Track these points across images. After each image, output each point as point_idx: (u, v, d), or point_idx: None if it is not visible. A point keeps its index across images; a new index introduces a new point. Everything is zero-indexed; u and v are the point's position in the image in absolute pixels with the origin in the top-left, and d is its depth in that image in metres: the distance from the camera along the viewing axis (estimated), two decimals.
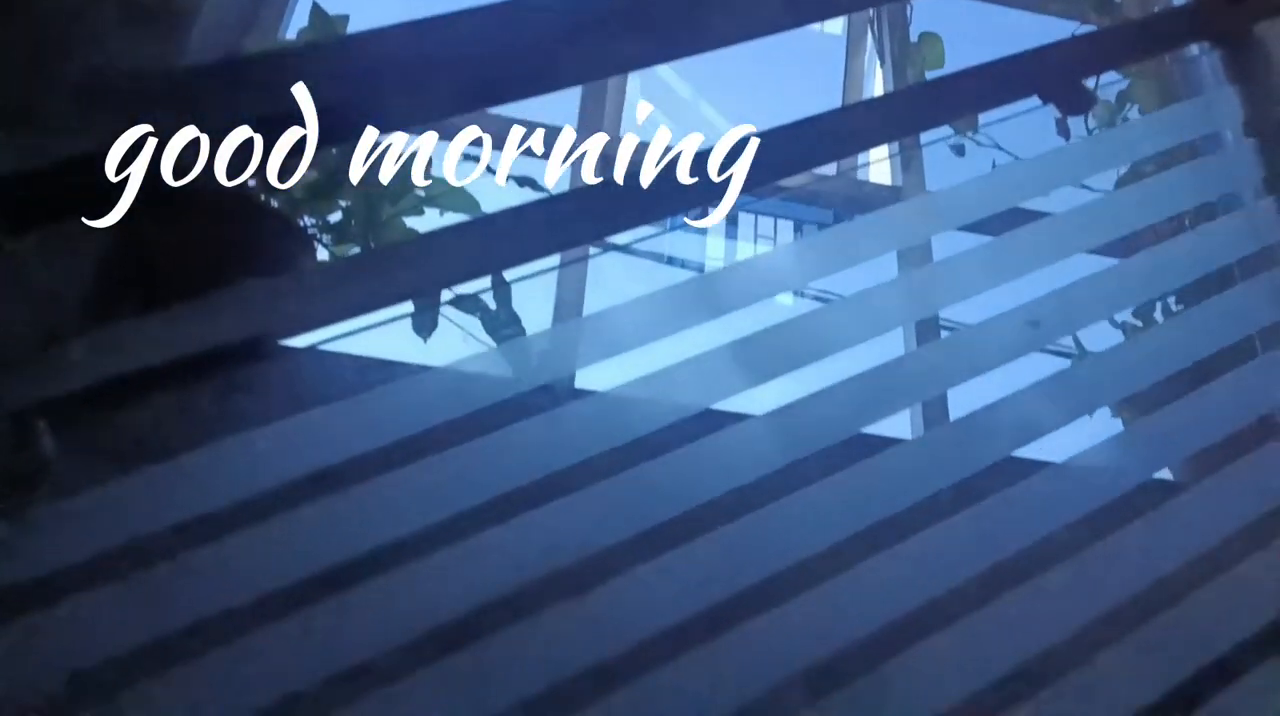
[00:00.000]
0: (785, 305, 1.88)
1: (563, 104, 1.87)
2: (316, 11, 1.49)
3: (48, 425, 0.65)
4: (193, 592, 0.59)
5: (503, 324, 1.32)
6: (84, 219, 0.84)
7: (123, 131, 0.76)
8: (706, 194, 0.95)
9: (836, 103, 2.21)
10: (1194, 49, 1.07)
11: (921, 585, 0.69)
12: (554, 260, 1.61)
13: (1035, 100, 0.99)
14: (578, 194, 1.06)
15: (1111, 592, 0.73)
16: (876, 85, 2.15)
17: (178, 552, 0.60)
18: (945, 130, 1.84)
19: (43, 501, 0.59)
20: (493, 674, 0.62)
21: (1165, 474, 1.23)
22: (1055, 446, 0.86)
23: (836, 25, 2.32)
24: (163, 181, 0.81)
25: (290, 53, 1.25)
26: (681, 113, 2.32)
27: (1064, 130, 1.76)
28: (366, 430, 0.68)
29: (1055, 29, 2.11)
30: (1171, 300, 1.55)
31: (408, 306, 1.38)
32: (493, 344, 1.37)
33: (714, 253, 2.07)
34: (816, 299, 1.89)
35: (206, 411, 0.75)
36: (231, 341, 0.67)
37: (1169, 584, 0.72)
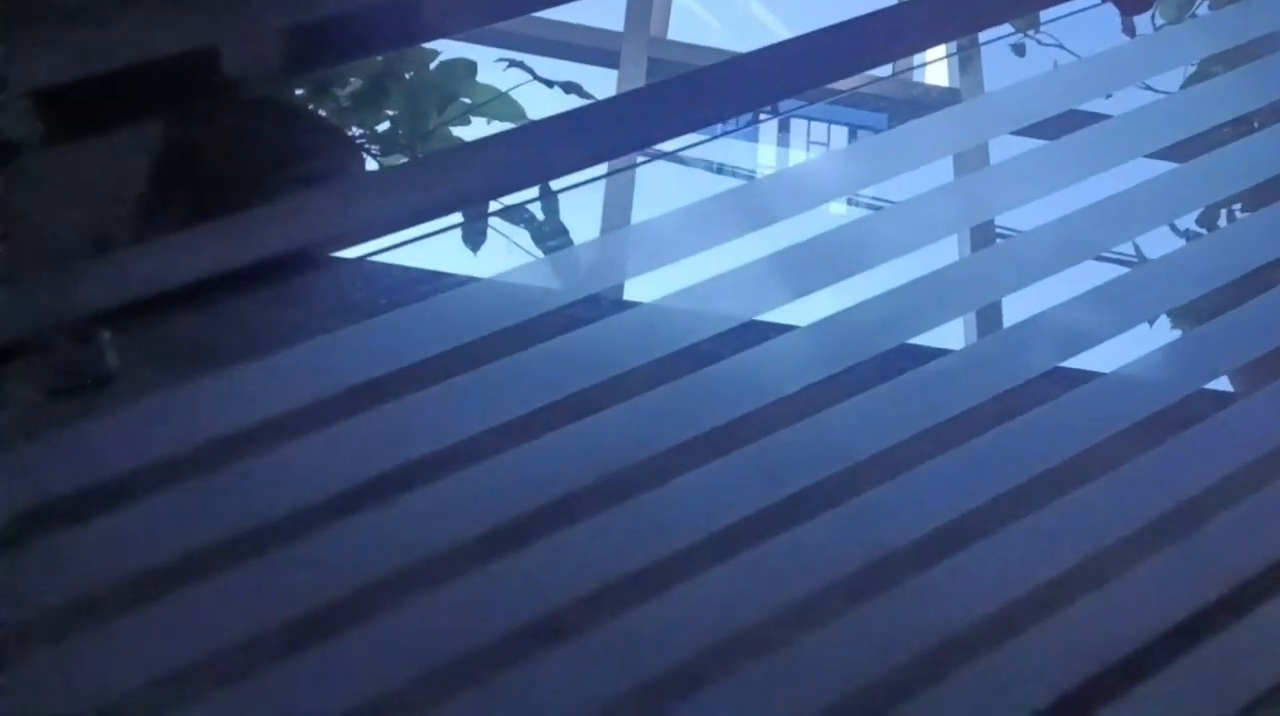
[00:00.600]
0: (838, 214, 1.86)
1: (609, 6, 1.83)
2: None
3: (110, 334, 0.67)
4: (250, 498, 0.61)
5: (550, 234, 1.32)
6: (134, 123, 0.85)
7: (170, 36, 0.76)
8: (757, 98, 0.93)
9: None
10: None
11: (968, 493, 0.69)
12: (601, 169, 1.60)
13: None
14: (624, 99, 1.05)
15: (1157, 502, 0.73)
16: None
17: (236, 460, 0.62)
18: (1005, 29, 1.78)
19: (105, 408, 0.61)
20: (541, 577, 0.64)
21: (1224, 384, 1.21)
22: (1113, 356, 0.85)
23: None
24: (211, 86, 0.82)
25: None
26: (731, 12, 2.26)
27: (1129, 28, 1.69)
28: (416, 341, 0.69)
29: None
30: (1238, 208, 1.50)
31: (456, 218, 1.39)
32: (541, 255, 1.37)
33: (765, 160, 2.03)
34: (870, 207, 1.86)
35: (261, 321, 0.77)
36: (286, 251, 0.68)
37: (1217, 494, 0.72)
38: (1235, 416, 0.77)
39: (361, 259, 0.82)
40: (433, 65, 1.44)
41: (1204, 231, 1.58)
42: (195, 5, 0.78)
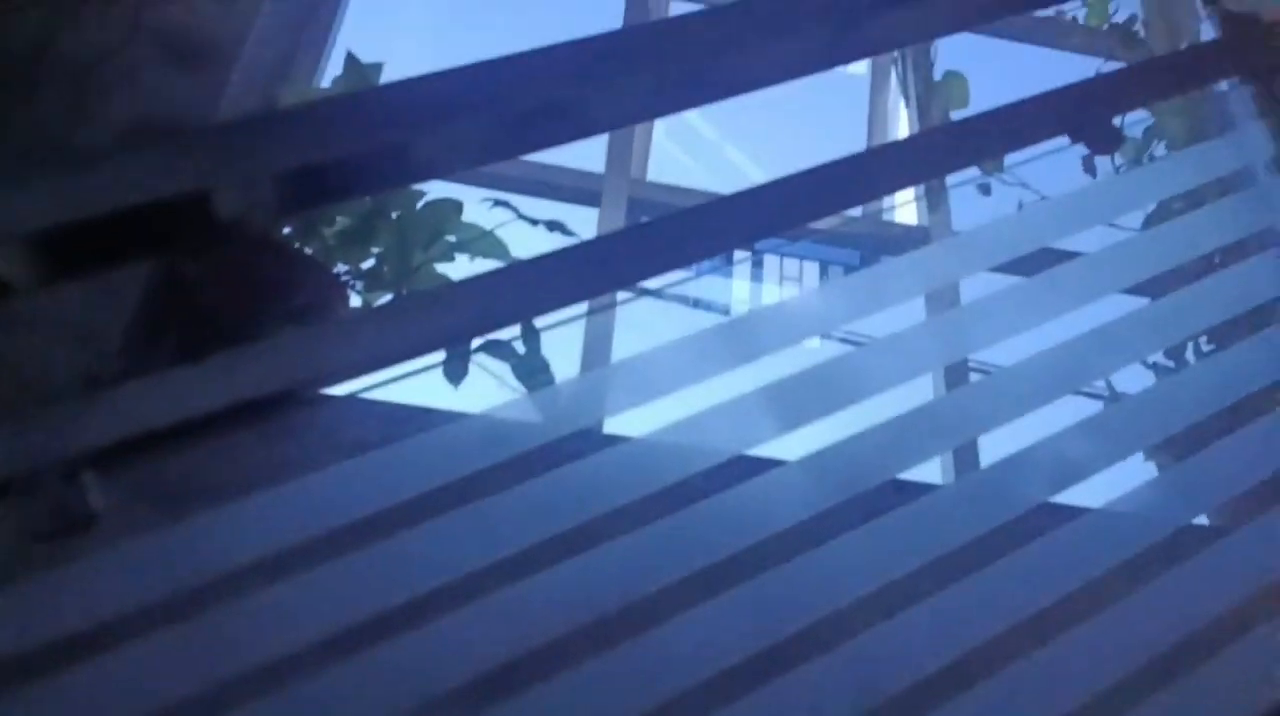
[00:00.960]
0: (812, 348, 1.88)
1: (590, 148, 1.89)
2: (351, 59, 1.52)
3: (95, 474, 0.66)
4: (239, 640, 0.60)
5: (532, 370, 1.33)
6: (127, 264, 0.86)
7: (166, 181, 0.78)
8: (734, 239, 0.95)
9: (862, 143, 2.22)
10: (1223, 84, 1.06)
11: (960, 635, 0.68)
12: (582, 306, 1.62)
13: (1062, 138, 0.99)
14: (606, 240, 1.07)
15: (1151, 642, 0.72)
16: (901, 125, 2.16)
17: (224, 600, 0.60)
18: (972, 169, 1.85)
19: (92, 548, 0.60)
20: None
21: (1202, 518, 1.21)
22: (1089, 491, 0.86)
23: (861, 65, 2.34)
24: (204, 228, 0.83)
25: (325, 104, 1.28)
26: (707, 155, 2.34)
27: (1090, 167, 1.77)
28: (403, 479, 0.69)
29: (1079, 65, 2.13)
30: (1203, 339, 1.54)
31: (440, 353, 1.39)
32: (523, 389, 1.38)
33: (740, 295, 2.08)
34: (843, 342, 1.89)
35: (250, 458, 0.76)
36: (275, 390, 0.68)
37: (1210, 632, 0.72)
38: (1220, 554, 0.78)
39: (350, 396, 0.82)
40: (420, 205, 1.48)
41: (1171, 363, 1.61)
42: (190, 150, 0.80)
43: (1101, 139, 0.91)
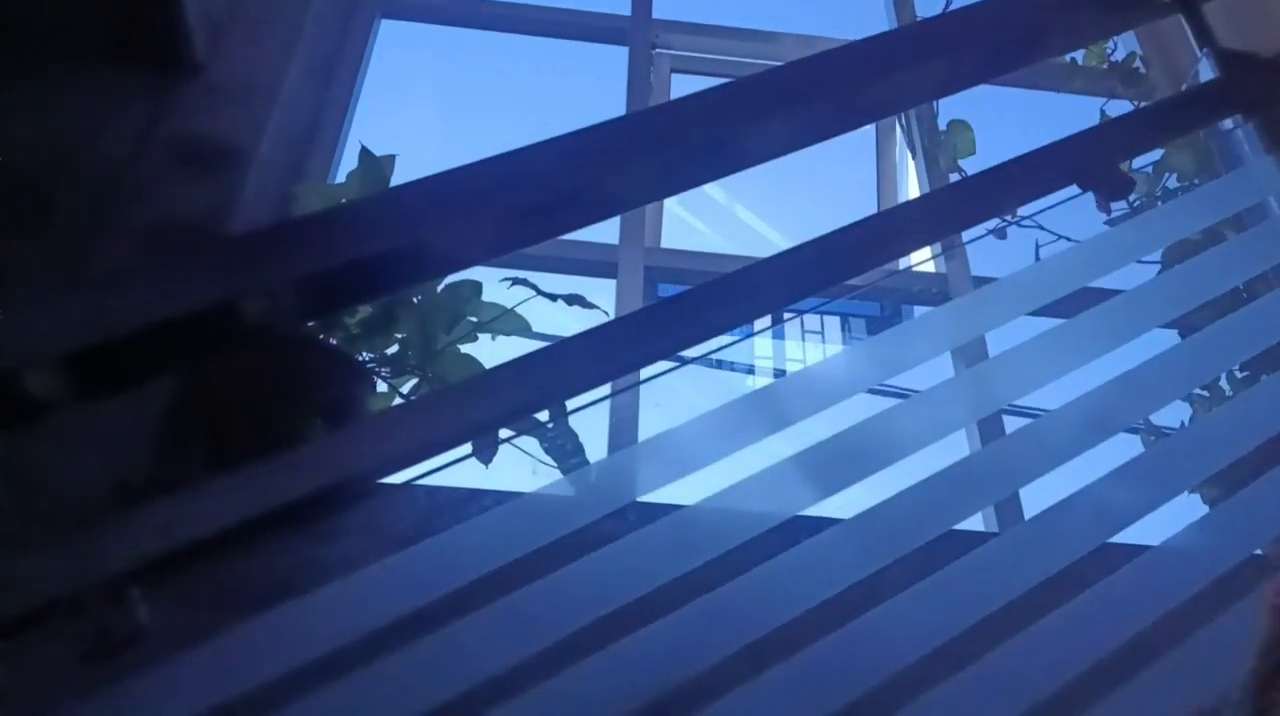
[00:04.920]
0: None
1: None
2: (365, 153, 1.54)
3: (140, 589, 0.65)
4: None
5: (562, 443, 1.33)
6: (158, 375, 0.86)
7: (191, 294, 0.78)
8: (755, 309, 0.95)
9: (871, 196, 2.23)
10: (1228, 122, 1.07)
11: (1032, 684, 0.66)
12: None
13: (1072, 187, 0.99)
14: (633, 318, 1.06)
15: (1219, 679, 0.70)
16: (910, 177, 2.17)
17: (283, 705, 0.59)
18: None
19: (140, 664, 0.60)
20: None
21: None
22: (1141, 534, 0.84)
23: None
24: (226, 335, 0.83)
25: (343, 208, 1.29)
26: (718, 218, 2.35)
27: (1104, 206, 1.77)
28: (453, 567, 0.68)
29: (1080, 105, 2.14)
30: (1236, 368, 1.52)
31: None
32: (551, 462, 1.37)
33: (763, 353, 2.06)
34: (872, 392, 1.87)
35: (294, 560, 0.76)
36: (311, 491, 0.68)
37: None
38: None
39: (388, 485, 0.82)
40: (440, 288, 1.49)
41: (1205, 392, 1.60)
42: (213, 262, 0.81)
43: (1110, 186, 0.91)
